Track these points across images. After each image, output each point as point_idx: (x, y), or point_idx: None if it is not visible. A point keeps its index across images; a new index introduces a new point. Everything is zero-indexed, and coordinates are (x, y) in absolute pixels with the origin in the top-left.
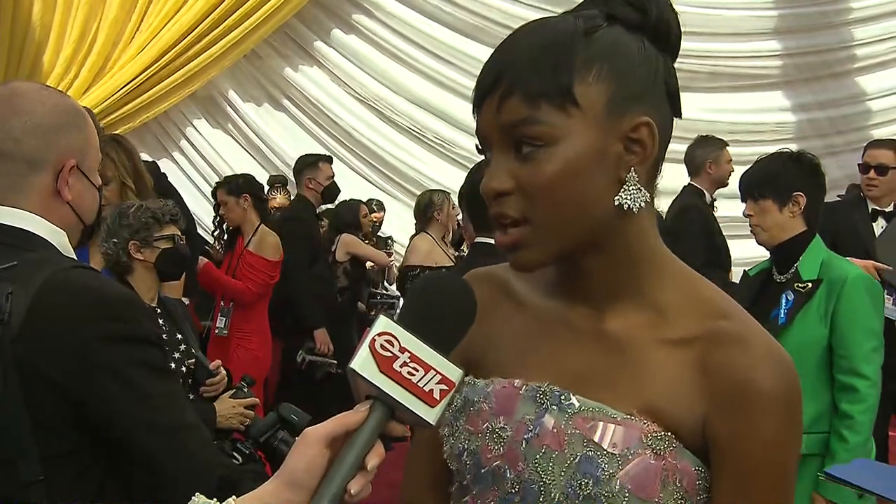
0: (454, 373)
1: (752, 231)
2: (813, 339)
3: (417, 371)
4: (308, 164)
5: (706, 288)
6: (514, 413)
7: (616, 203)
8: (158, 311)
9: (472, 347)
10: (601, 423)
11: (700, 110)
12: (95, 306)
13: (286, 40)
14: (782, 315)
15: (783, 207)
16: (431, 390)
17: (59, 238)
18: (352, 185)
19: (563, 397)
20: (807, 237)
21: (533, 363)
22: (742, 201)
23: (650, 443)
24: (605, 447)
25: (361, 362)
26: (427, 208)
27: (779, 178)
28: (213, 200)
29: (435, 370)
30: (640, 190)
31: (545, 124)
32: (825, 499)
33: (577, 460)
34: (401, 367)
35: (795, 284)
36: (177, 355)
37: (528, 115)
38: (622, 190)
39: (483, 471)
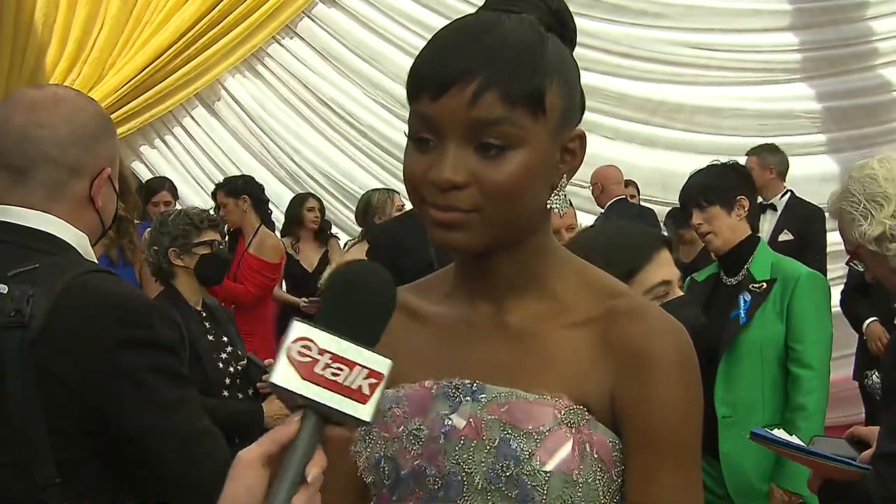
0: (382, 364)
1: (703, 240)
2: (771, 336)
3: (342, 370)
4: None
5: (597, 272)
6: (429, 412)
7: (547, 206)
8: (204, 314)
9: None
10: (515, 406)
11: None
12: (113, 311)
13: (292, 34)
14: (742, 315)
15: (731, 212)
16: (360, 386)
17: (82, 242)
18: (366, 182)
19: (474, 388)
20: (752, 240)
21: (441, 366)
22: (685, 213)
23: (564, 417)
24: (521, 428)
25: (281, 374)
26: (366, 211)
27: (721, 184)
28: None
29: (360, 365)
30: (565, 196)
31: (517, 126)
32: (781, 488)
33: (496, 444)
34: (323, 369)
35: (751, 285)
36: (224, 356)
37: (504, 115)
38: (553, 195)
39: (403, 473)
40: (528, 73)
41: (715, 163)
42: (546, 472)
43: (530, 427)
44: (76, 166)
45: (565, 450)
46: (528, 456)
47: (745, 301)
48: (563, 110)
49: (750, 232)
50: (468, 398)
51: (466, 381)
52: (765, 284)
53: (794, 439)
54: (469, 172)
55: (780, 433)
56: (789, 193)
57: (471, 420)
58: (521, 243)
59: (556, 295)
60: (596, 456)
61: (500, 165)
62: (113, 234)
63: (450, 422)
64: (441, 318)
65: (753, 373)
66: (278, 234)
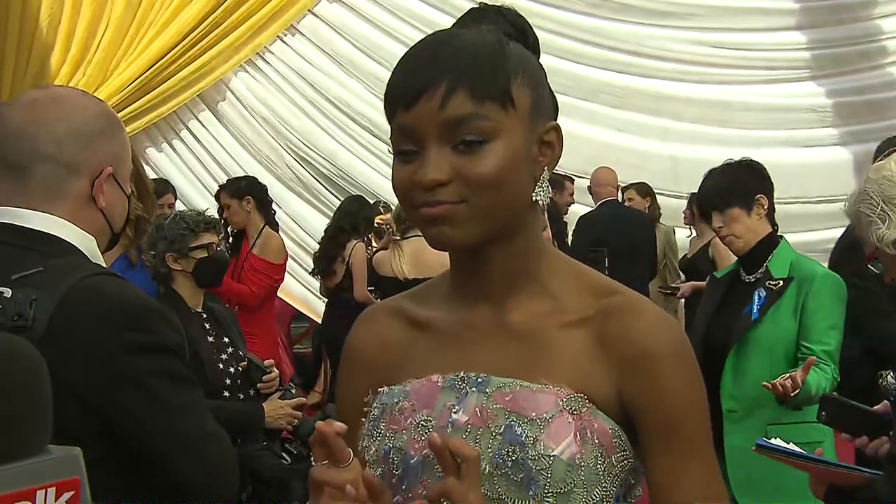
0: (69, 464)
1: (724, 243)
2: (783, 334)
3: None
4: None
5: (587, 270)
6: (436, 404)
7: (533, 199)
8: (205, 316)
9: (385, 381)
10: (519, 395)
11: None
12: (116, 315)
13: (295, 33)
14: (755, 311)
15: (750, 212)
16: None
17: (88, 244)
18: (373, 181)
19: (479, 379)
20: (773, 238)
21: (446, 366)
22: (703, 217)
23: (566, 405)
24: (525, 415)
25: None
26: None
27: (739, 184)
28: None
29: (43, 487)
30: (549, 188)
31: (489, 120)
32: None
33: (501, 431)
34: None
35: (767, 282)
36: (224, 357)
37: (474, 111)
38: (537, 187)
39: (412, 462)
40: (492, 70)
41: (729, 162)
42: (550, 457)
43: (534, 414)
44: (73, 164)
45: (568, 435)
46: (532, 441)
47: (759, 297)
48: (533, 102)
49: (770, 230)
50: (474, 389)
51: (472, 374)
52: (781, 282)
53: (794, 447)
54: (451, 169)
55: (778, 442)
56: None
57: (477, 410)
58: (512, 239)
59: (553, 293)
60: (597, 441)
61: (479, 159)
62: (132, 235)
63: (456, 412)
64: (441, 322)
65: (762, 370)
66: (282, 234)
